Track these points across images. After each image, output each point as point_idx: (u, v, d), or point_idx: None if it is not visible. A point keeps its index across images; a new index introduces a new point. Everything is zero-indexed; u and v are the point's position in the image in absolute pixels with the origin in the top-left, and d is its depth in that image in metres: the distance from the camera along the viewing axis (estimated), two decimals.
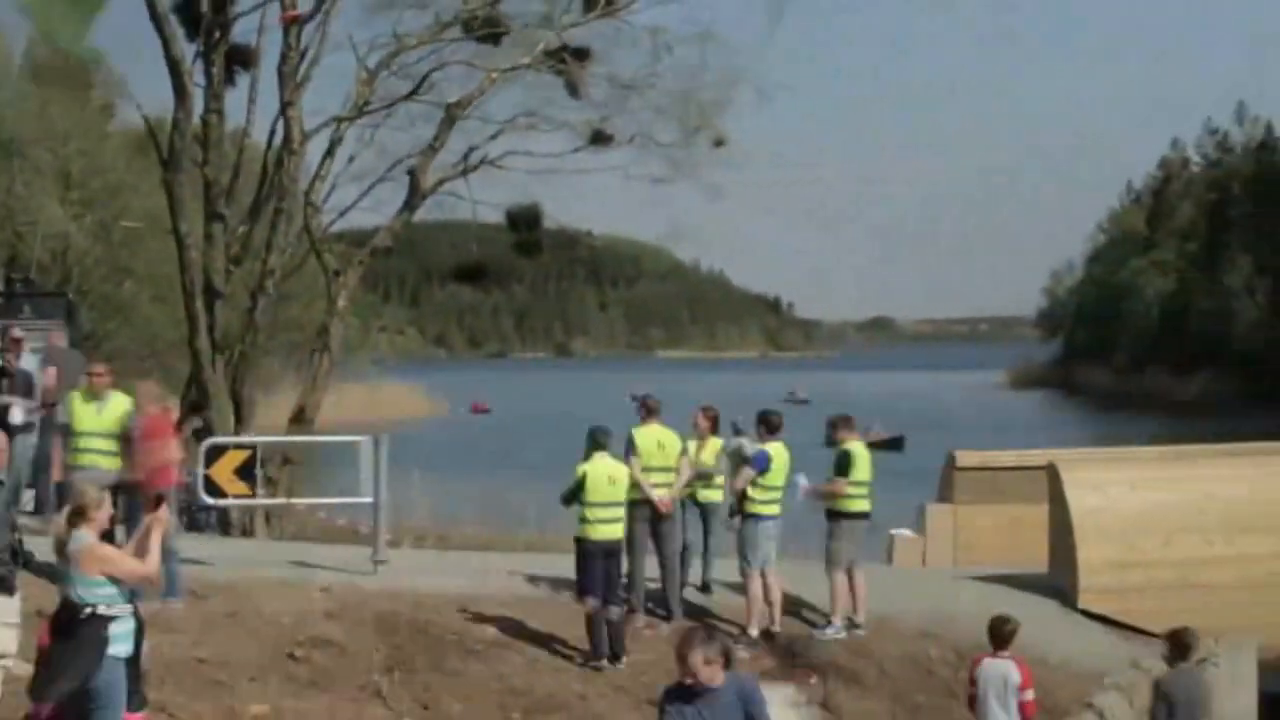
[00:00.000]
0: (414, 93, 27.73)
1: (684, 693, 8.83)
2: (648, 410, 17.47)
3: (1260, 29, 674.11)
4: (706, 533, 18.03)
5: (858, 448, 17.28)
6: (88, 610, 10.45)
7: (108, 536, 11.64)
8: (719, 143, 28.48)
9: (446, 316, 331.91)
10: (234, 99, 28.13)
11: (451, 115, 27.31)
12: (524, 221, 29.37)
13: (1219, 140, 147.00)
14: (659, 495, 16.67)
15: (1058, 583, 19.58)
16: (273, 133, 27.60)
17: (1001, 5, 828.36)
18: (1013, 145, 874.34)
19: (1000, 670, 13.11)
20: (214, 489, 17.78)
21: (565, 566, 18.11)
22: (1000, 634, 13.29)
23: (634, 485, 16.46)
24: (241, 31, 27.76)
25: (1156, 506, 19.62)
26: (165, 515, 11.43)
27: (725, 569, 17.78)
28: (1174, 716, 13.54)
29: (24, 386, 18.79)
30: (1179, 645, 14.09)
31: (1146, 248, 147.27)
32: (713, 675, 8.66)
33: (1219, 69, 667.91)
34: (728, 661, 8.84)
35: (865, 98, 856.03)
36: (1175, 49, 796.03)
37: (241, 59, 27.74)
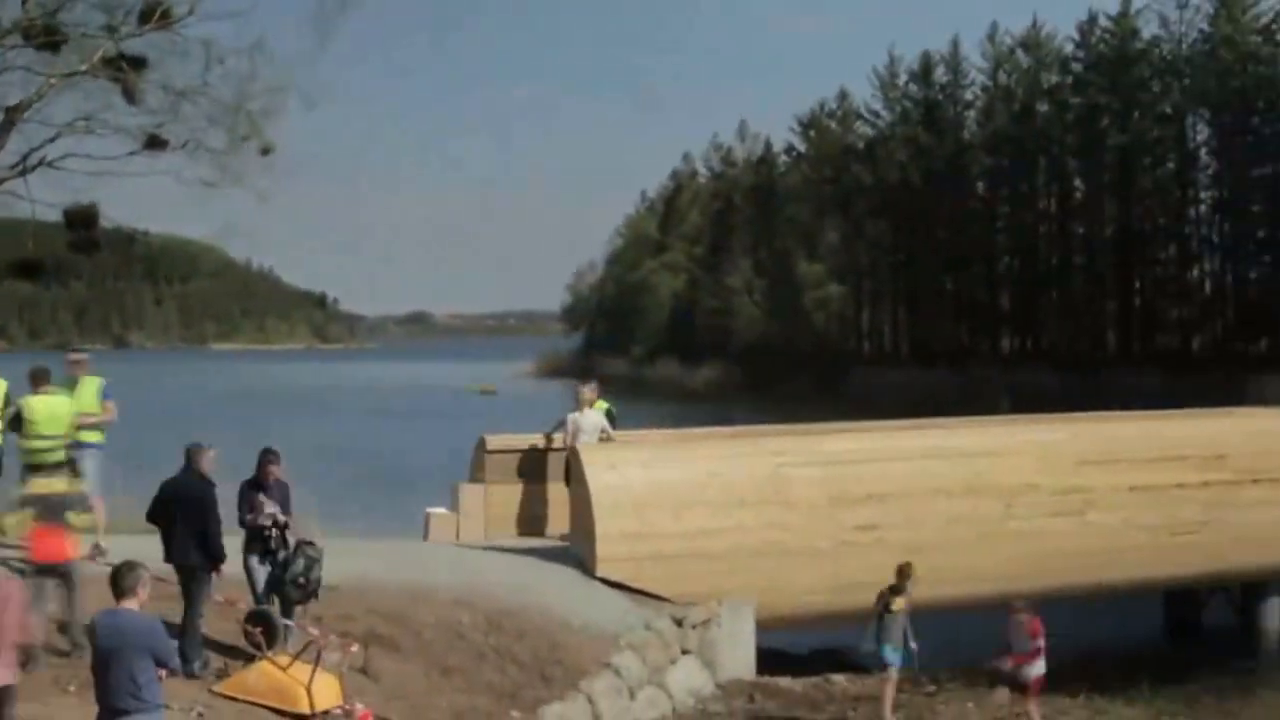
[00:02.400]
0: None
1: None
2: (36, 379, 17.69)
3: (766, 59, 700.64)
4: None
5: None
6: None
7: None
8: (266, 150, 28.09)
9: (7, 310, 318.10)
10: None
11: (11, 118, 26.19)
12: (81, 221, 28.36)
13: (724, 155, 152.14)
14: None
15: (578, 553, 20.04)
16: None
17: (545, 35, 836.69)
18: (540, 154, 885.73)
19: None
20: None
21: None
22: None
23: None
24: None
25: (666, 483, 20.27)
26: None
27: None
28: None
29: None
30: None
31: (659, 250, 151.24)
32: None
33: (728, 90, 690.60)
34: None
35: (406, 106, 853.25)
36: (688, 72, 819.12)
37: None
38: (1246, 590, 24.99)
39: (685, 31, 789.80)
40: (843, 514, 20.74)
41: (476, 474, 23.49)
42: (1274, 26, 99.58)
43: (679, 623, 18.44)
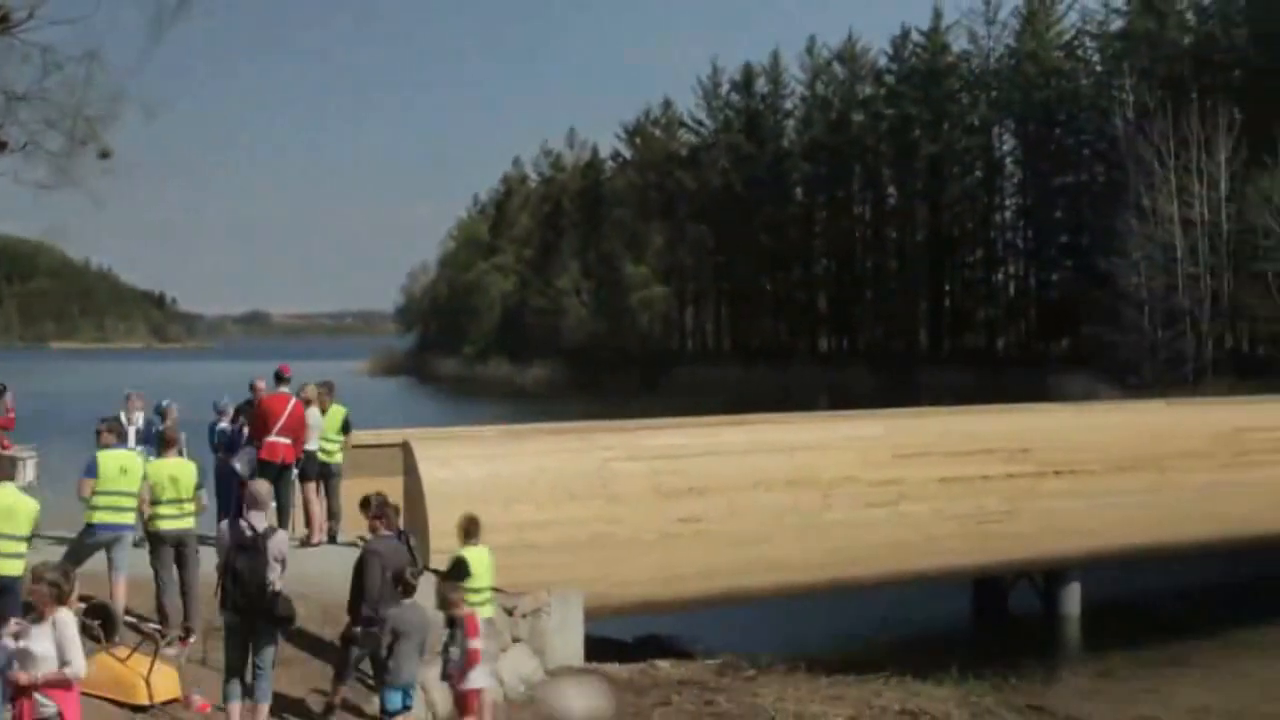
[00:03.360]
0: None
1: None
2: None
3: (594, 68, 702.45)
4: None
5: None
6: None
7: None
8: (104, 154, 27.62)
9: None
10: None
11: None
12: None
13: (553, 160, 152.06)
14: None
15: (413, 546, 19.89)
16: None
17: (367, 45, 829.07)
18: (375, 158, 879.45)
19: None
20: None
21: None
22: None
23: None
24: None
25: (497, 478, 20.21)
26: None
27: None
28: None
29: None
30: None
31: (490, 252, 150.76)
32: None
33: (556, 99, 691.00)
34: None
35: (245, 111, 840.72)
36: (519, 80, 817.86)
37: None
38: (1049, 577, 25.59)
39: (516, 38, 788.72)
40: (667, 507, 20.83)
41: None
42: (1075, 43, 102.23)
43: (510, 612, 18.38)
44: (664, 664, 19.11)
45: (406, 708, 13.32)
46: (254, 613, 12.87)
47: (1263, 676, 22.32)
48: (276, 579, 12.94)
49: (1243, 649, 23.66)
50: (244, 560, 12.83)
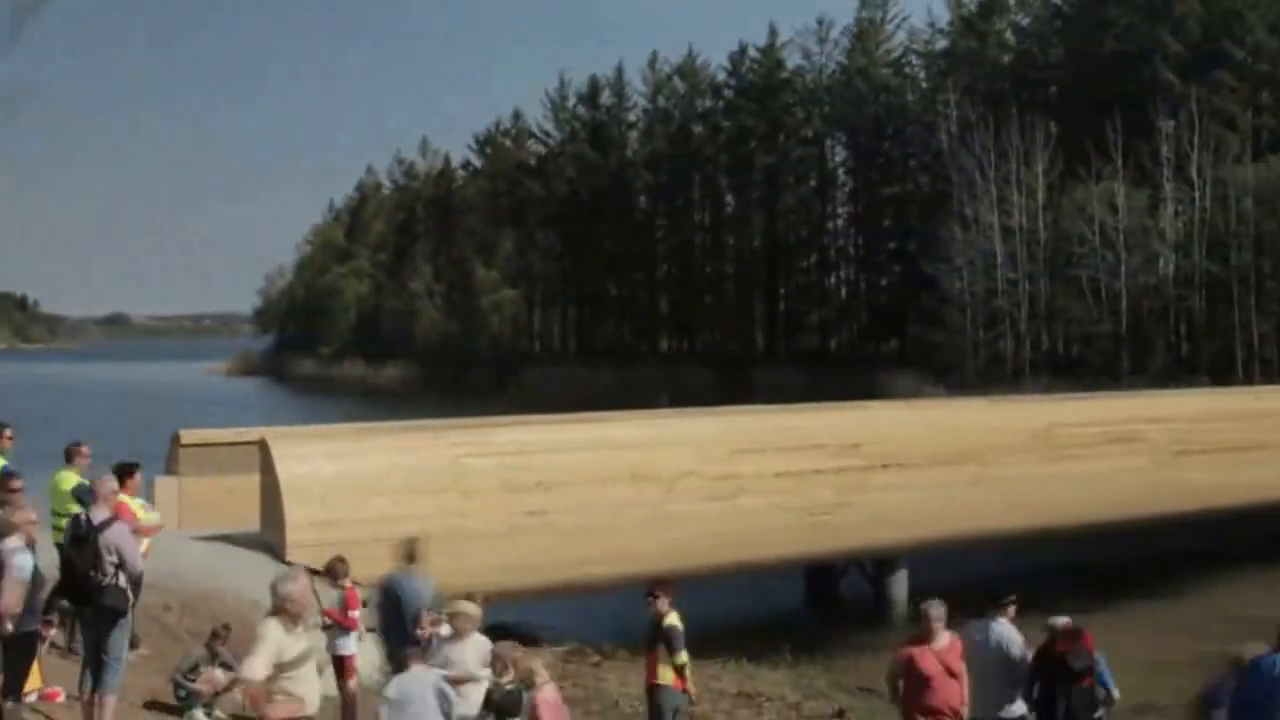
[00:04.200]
0: None
1: None
2: None
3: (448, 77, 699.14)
4: None
5: None
6: None
7: None
8: None
9: None
10: None
11: None
12: None
13: (406, 169, 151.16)
14: None
15: (269, 540, 19.72)
16: None
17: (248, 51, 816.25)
18: (235, 161, 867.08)
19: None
20: None
21: None
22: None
23: None
24: None
25: (351, 473, 20.10)
26: None
27: None
28: None
29: None
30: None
31: (346, 257, 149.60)
32: None
33: (409, 109, 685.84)
34: None
35: (102, 107, 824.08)
36: (373, 93, 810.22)
37: None
38: (879, 564, 26.01)
39: (370, 41, 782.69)
40: (515, 500, 20.86)
41: (171, 467, 22.97)
42: (903, 61, 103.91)
43: (365, 603, 18.28)
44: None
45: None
46: (84, 603, 12.66)
47: None
48: (110, 569, 12.66)
49: None
50: (75, 551, 12.62)
